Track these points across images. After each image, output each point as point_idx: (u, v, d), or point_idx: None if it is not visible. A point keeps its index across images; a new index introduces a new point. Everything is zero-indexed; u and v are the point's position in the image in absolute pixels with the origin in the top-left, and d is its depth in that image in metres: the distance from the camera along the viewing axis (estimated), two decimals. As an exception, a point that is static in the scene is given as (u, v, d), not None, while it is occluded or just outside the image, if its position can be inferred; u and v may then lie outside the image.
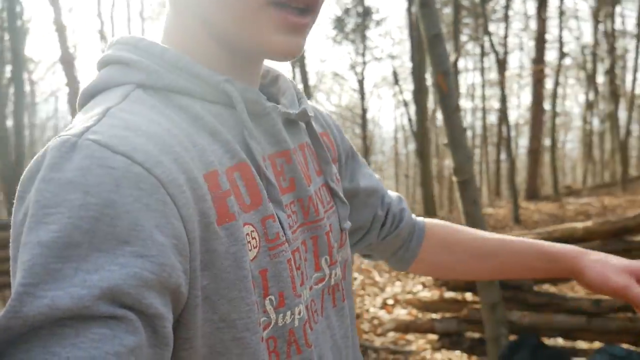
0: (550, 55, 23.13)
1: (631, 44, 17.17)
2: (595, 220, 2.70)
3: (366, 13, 15.02)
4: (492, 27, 15.05)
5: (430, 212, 9.95)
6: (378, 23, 15.94)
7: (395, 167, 23.11)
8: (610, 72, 14.32)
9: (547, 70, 14.14)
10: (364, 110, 16.19)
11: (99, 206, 0.39)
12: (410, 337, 3.65)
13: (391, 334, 3.70)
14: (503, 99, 10.65)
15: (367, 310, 4.40)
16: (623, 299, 0.74)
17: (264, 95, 0.60)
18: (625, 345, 2.31)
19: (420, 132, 10.84)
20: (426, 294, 4.07)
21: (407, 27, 12.24)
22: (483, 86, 17.47)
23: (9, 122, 9.42)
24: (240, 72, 0.56)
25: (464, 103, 20.25)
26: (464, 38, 16.03)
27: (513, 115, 22.47)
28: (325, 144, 0.70)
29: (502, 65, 12.73)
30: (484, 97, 17.62)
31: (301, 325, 0.54)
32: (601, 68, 16.53)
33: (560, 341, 2.82)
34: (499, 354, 2.44)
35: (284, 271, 0.53)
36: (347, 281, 0.68)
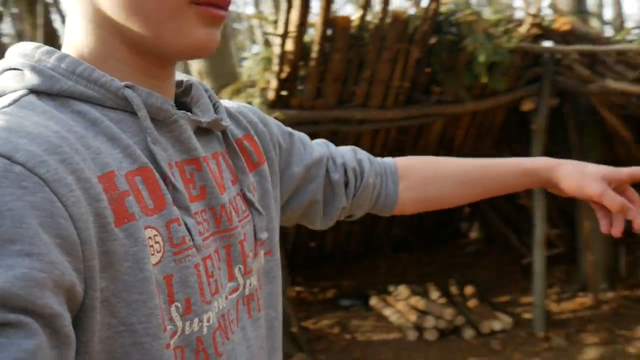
0: None
1: None
2: None
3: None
4: None
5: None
6: None
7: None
8: None
9: None
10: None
11: None
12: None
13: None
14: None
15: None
16: (599, 204, 0.82)
17: (178, 103, 0.61)
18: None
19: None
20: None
21: None
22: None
23: None
24: (153, 79, 0.56)
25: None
26: None
27: None
28: (247, 149, 0.70)
29: None
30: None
31: (210, 334, 0.54)
32: None
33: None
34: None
35: (191, 276, 0.52)
36: (266, 291, 0.69)
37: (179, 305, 0.51)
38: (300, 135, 0.84)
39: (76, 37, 0.55)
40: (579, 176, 0.82)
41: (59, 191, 0.42)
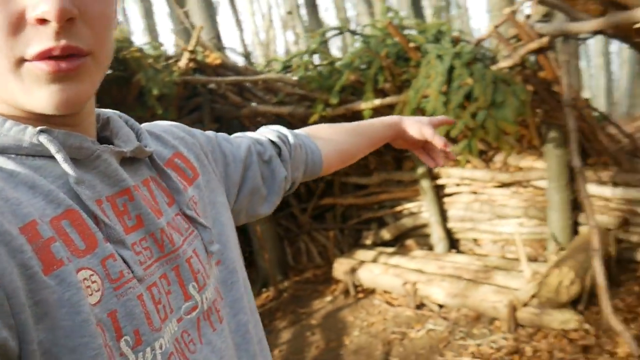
0: None
1: None
2: None
3: None
4: None
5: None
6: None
7: None
8: None
9: None
10: None
11: None
12: None
13: None
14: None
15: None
16: (422, 148, 1.11)
17: (100, 138, 0.62)
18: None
19: None
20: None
21: None
22: None
23: None
24: (64, 126, 0.55)
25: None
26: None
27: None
28: (180, 166, 0.71)
29: None
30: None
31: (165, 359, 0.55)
32: None
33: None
34: None
35: (136, 308, 0.52)
36: (229, 300, 0.69)
37: (128, 338, 0.51)
38: (223, 135, 0.86)
39: None
40: (417, 124, 1.07)
41: None
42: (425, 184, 4.71)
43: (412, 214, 5.07)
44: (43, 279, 0.45)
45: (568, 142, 3.77)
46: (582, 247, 3.48)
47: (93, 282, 0.49)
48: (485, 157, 4.54)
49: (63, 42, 0.49)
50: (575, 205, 4.01)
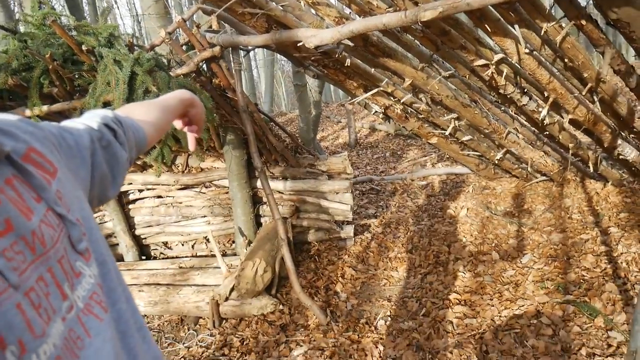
0: None
1: None
2: None
3: None
4: None
5: None
6: None
7: None
8: None
9: None
10: None
11: None
12: None
13: None
14: None
15: None
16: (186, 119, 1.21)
17: None
18: None
19: None
20: None
21: None
22: None
23: None
24: None
25: None
26: None
27: None
28: (37, 161, 0.66)
29: None
30: None
31: None
32: None
33: None
34: None
35: (15, 317, 0.52)
36: (105, 290, 0.69)
37: (13, 348, 0.50)
38: (61, 125, 0.82)
39: None
40: (200, 104, 1.19)
41: None
42: (107, 193, 4.47)
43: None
44: None
45: (244, 144, 4.16)
46: (266, 237, 3.91)
47: None
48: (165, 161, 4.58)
49: None
50: (255, 200, 4.46)
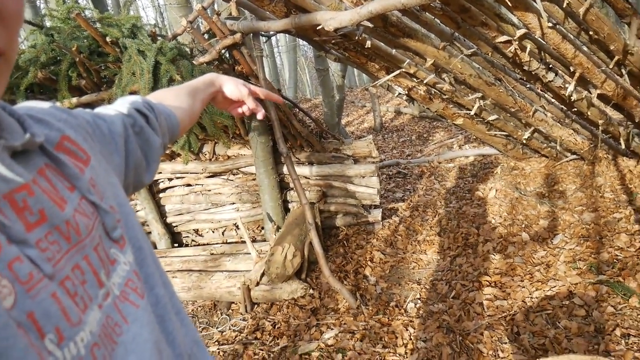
0: None
1: None
2: None
3: None
4: None
5: None
6: None
7: None
8: None
9: None
10: None
11: None
12: None
13: None
14: None
15: None
16: (244, 101, 1.19)
17: None
18: None
19: None
20: None
21: None
22: None
23: None
24: None
25: None
26: None
27: None
28: (70, 149, 0.67)
29: None
30: None
31: (88, 352, 0.55)
32: None
33: None
34: None
35: (51, 306, 0.52)
36: (142, 276, 0.70)
37: (52, 337, 0.51)
38: (94, 112, 0.82)
39: None
40: (232, 81, 1.17)
41: None
42: (137, 183, 4.55)
43: (125, 215, 4.85)
44: None
45: (269, 130, 4.17)
46: (295, 223, 3.94)
47: (3, 287, 0.48)
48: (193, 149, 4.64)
49: None
50: (282, 186, 4.48)
